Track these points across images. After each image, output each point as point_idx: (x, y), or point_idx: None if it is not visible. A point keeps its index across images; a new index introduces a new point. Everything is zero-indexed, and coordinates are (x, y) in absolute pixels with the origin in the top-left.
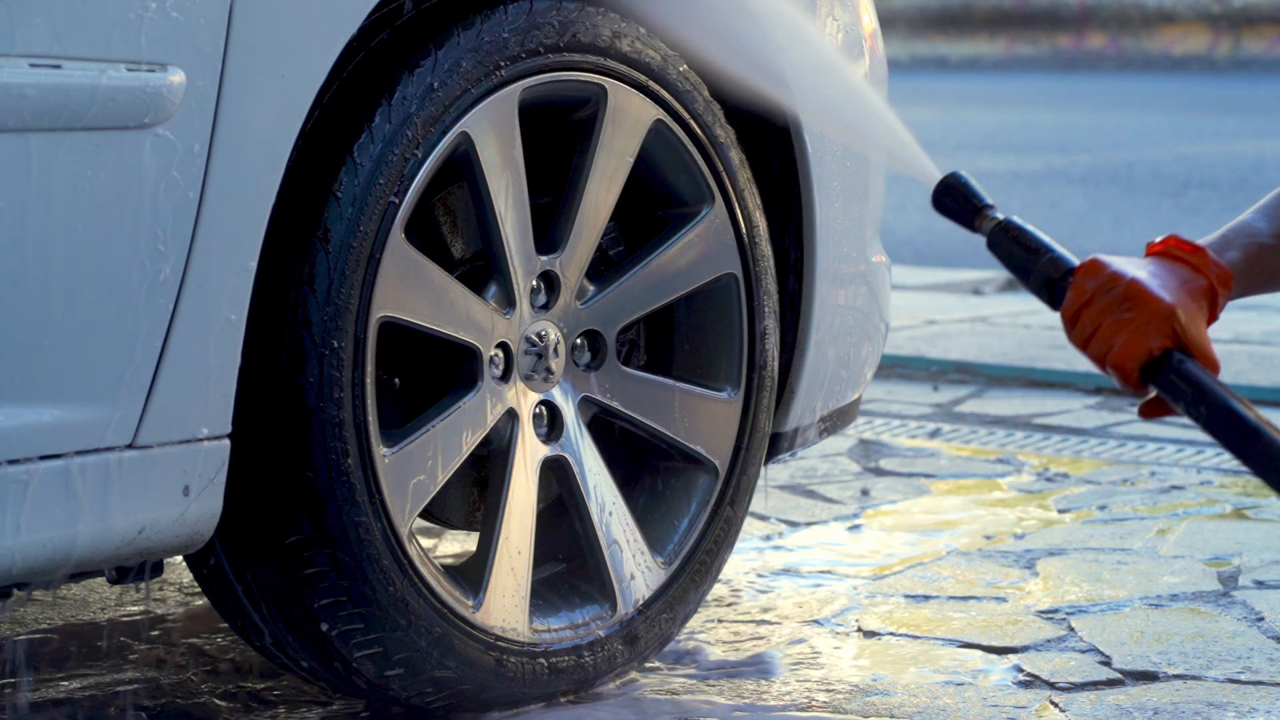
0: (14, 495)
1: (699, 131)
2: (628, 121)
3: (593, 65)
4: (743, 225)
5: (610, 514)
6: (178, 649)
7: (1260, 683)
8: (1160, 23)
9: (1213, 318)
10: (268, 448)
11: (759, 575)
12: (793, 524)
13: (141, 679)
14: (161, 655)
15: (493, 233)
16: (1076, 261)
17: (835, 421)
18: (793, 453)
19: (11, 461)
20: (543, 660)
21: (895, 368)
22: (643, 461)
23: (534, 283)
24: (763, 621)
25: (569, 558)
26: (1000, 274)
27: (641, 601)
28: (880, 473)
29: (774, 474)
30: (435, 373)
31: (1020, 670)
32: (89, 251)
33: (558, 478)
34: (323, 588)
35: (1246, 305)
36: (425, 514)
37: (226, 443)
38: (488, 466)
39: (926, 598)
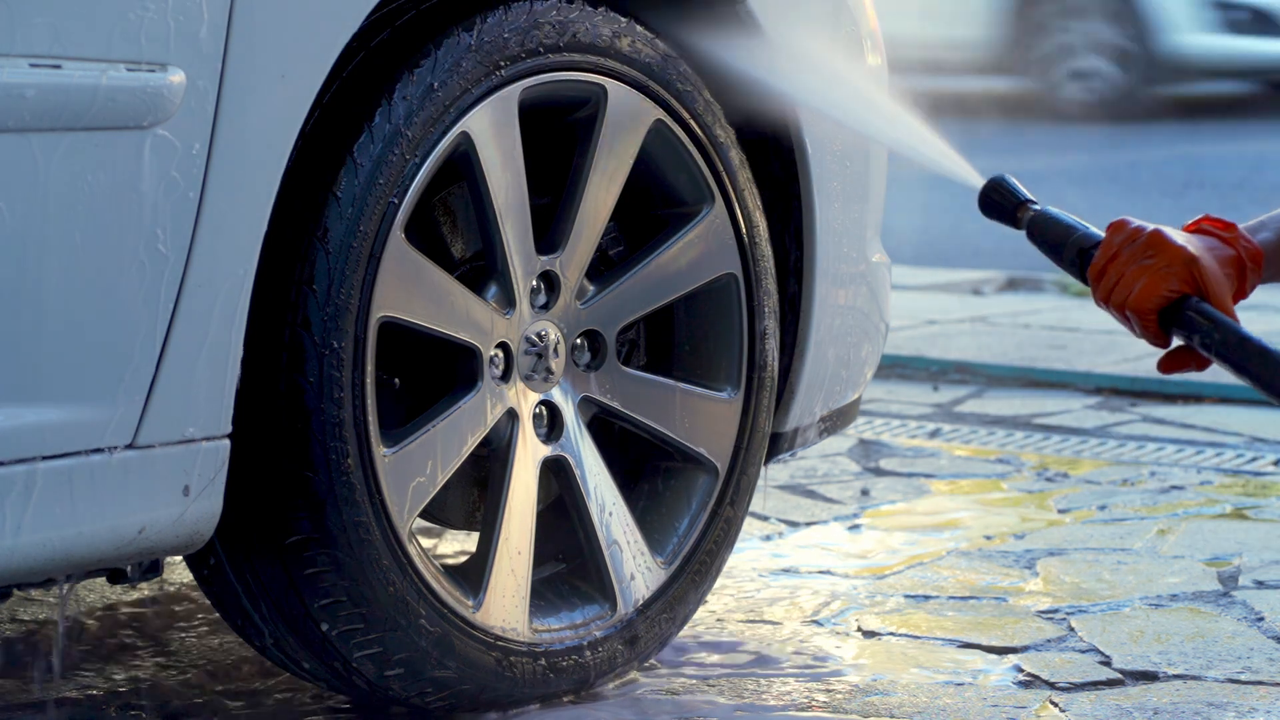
0: (14, 495)
1: (699, 131)
2: (628, 121)
3: (593, 65)
4: (743, 225)
5: (610, 514)
6: (178, 649)
7: (1260, 683)
8: None
9: (1241, 293)
10: (268, 448)
11: (759, 575)
12: (793, 524)
13: (141, 679)
14: (161, 655)
15: (493, 233)
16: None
17: (835, 421)
18: (793, 453)
19: (11, 461)
20: (543, 660)
21: (895, 368)
22: (643, 461)
23: (534, 283)
24: (763, 621)
25: (569, 558)
26: (1000, 274)
27: (641, 601)
28: (880, 473)
29: (774, 474)
30: (435, 373)
31: (1020, 670)
32: (89, 251)
33: (558, 478)
34: (323, 588)
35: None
36: (425, 514)
37: (226, 443)
38: (488, 466)
39: (926, 598)
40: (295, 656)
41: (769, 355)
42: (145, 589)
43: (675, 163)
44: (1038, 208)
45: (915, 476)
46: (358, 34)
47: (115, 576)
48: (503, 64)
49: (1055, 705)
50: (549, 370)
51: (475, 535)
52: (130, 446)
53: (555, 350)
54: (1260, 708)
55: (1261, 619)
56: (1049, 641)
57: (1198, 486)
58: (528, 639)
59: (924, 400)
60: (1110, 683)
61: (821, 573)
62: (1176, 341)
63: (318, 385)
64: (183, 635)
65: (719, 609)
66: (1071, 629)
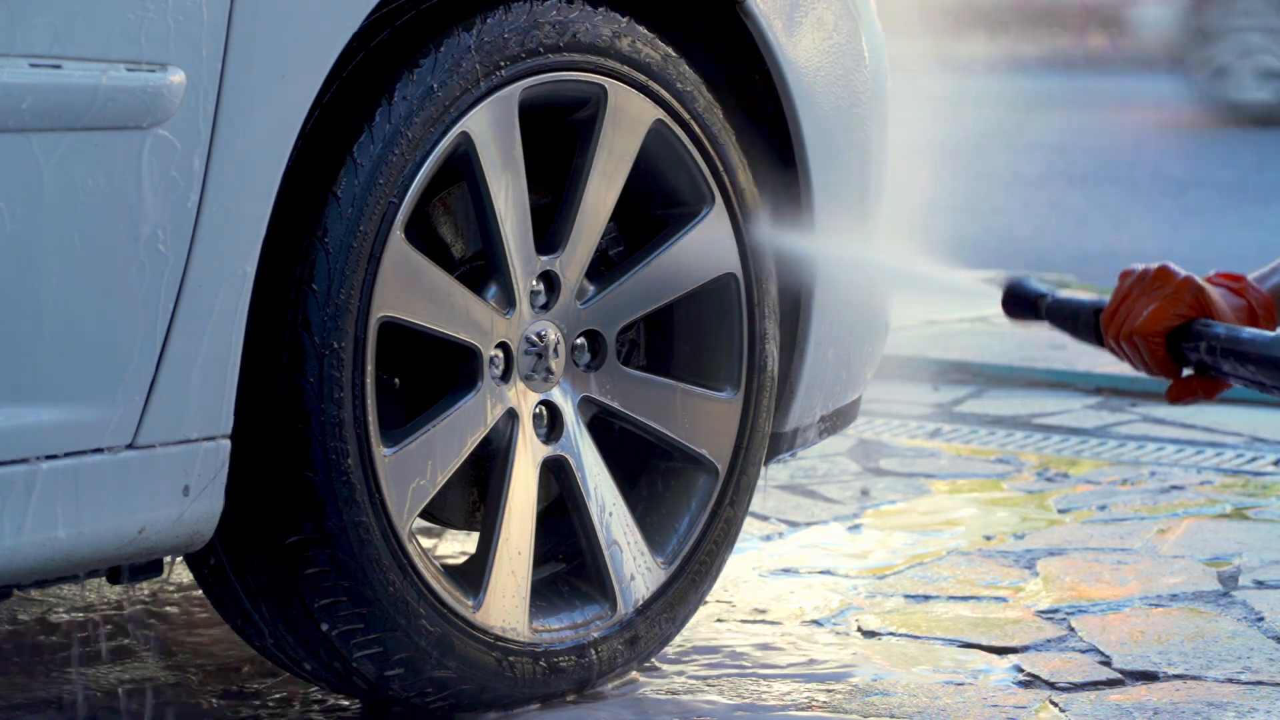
0: (14, 495)
1: (699, 131)
2: (628, 121)
3: (593, 65)
4: (743, 225)
5: (610, 514)
6: (178, 649)
7: (1260, 683)
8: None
9: None
10: (268, 448)
11: (759, 575)
12: (793, 524)
13: (141, 679)
14: (161, 655)
15: (493, 233)
16: None
17: (835, 422)
18: (793, 453)
19: (11, 461)
20: (543, 660)
21: (895, 368)
22: (643, 462)
23: (534, 283)
24: (763, 621)
25: (569, 558)
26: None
27: (641, 602)
28: (880, 473)
29: (774, 474)
30: (435, 373)
31: (1020, 670)
32: (89, 251)
33: (558, 478)
34: (323, 588)
35: None
36: (425, 514)
37: (226, 443)
38: (488, 466)
39: (926, 598)
40: (295, 656)
41: (769, 355)
42: (145, 589)
43: (675, 163)
44: (1051, 296)
45: (915, 476)
46: (358, 34)
47: (115, 576)
48: (503, 64)
49: (1055, 705)
50: (549, 370)
51: (475, 535)
52: (130, 446)
53: (555, 350)
54: (1260, 708)
55: (1261, 619)
56: (1049, 641)
57: (1198, 486)
58: (528, 639)
59: (924, 400)
60: (1110, 683)
61: (821, 573)
62: (1185, 372)
63: (318, 385)
64: (183, 635)
65: (719, 609)
66: (1071, 629)
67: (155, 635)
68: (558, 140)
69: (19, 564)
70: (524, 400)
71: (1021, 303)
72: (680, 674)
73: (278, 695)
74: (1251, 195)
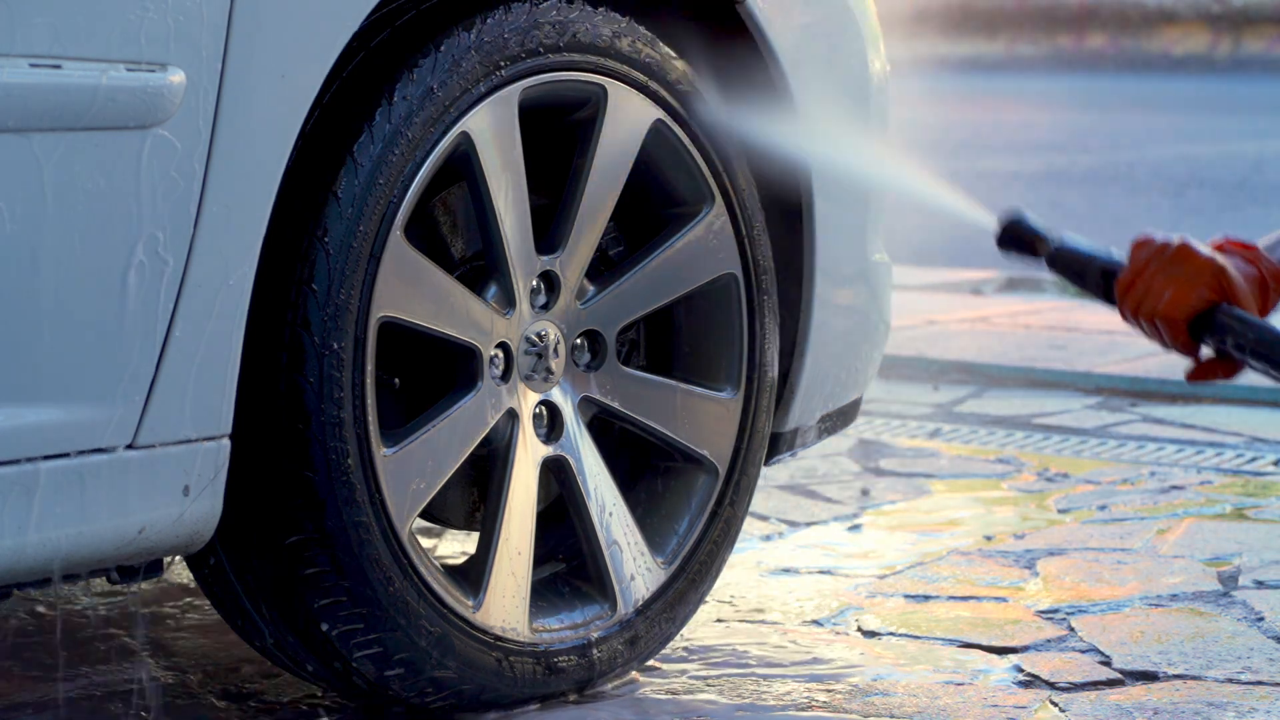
0: (14, 495)
1: (699, 131)
2: (628, 121)
3: (593, 65)
4: (743, 225)
5: (610, 514)
6: (178, 649)
7: (1260, 683)
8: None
9: (1264, 309)
10: (268, 448)
11: (759, 575)
12: (793, 524)
13: (141, 679)
14: (161, 655)
15: (493, 233)
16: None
17: (836, 422)
18: (793, 453)
19: (12, 462)
20: (543, 660)
21: (895, 368)
22: (643, 462)
23: (534, 283)
24: (763, 622)
25: (569, 558)
26: (1000, 274)
27: (641, 602)
28: (880, 473)
29: (774, 474)
30: (435, 373)
31: (1020, 670)
32: (89, 251)
33: (558, 478)
34: (323, 588)
35: None
36: (425, 514)
37: (226, 443)
38: (488, 466)
39: (926, 598)
40: (295, 656)
41: (769, 355)
42: (145, 589)
43: (675, 163)
44: (1056, 238)
45: (915, 476)
46: (358, 34)
47: (114, 576)
48: (503, 64)
49: (1055, 705)
50: (549, 370)
51: (475, 535)
52: (130, 446)
53: (555, 350)
54: (1260, 708)
55: (1261, 619)
56: (1049, 641)
57: (1198, 486)
58: (528, 639)
59: (924, 400)
60: (1110, 683)
61: (821, 573)
62: (1205, 351)
63: (318, 385)
64: (183, 635)
65: (719, 609)
66: (1071, 629)
67: (155, 635)
68: (558, 140)
69: (19, 564)
70: (524, 400)
71: (1019, 240)
72: (680, 674)
73: (278, 695)
74: (1251, 195)
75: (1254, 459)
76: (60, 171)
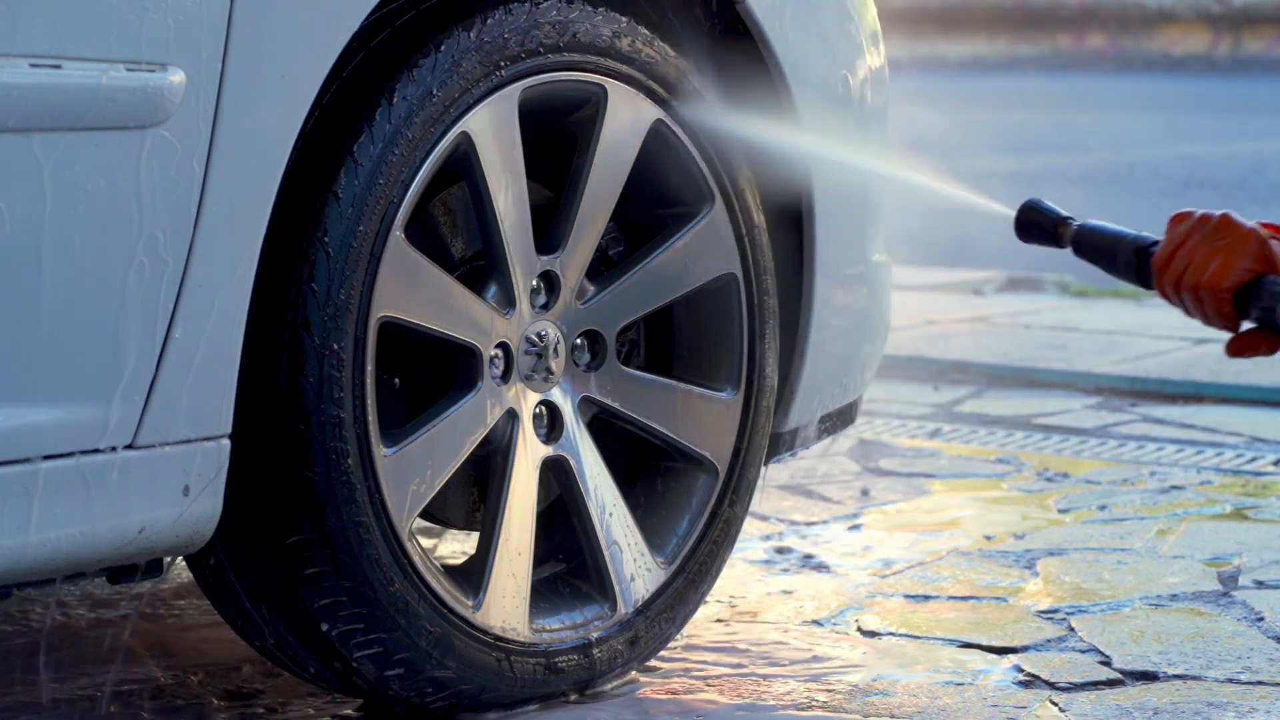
0: (14, 496)
1: (699, 131)
2: (628, 121)
3: (593, 65)
4: (742, 225)
5: (610, 514)
6: (178, 649)
7: (1260, 683)
8: (1160, 23)
9: None
10: (268, 448)
11: (759, 575)
12: (793, 524)
13: (141, 679)
14: (161, 655)
15: (493, 233)
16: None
17: (835, 422)
18: (793, 453)
19: (11, 462)
20: (543, 660)
21: (895, 368)
22: (643, 461)
23: (534, 283)
24: (763, 622)
25: (569, 558)
26: (1000, 274)
27: (641, 601)
28: (880, 473)
29: (774, 474)
30: (435, 373)
31: (1020, 670)
32: (89, 251)
33: (558, 478)
34: (323, 588)
35: None
36: (425, 514)
37: (226, 443)
38: (488, 466)
39: (926, 598)
40: (296, 656)
41: (769, 355)
42: (145, 589)
43: (675, 163)
44: (1079, 222)
45: (915, 476)
46: (358, 34)
47: (115, 576)
48: (503, 64)
49: (1055, 705)
50: (549, 370)
51: (475, 535)
52: (130, 446)
53: (555, 350)
54: (1260, 708)
55: (1261, 619)
56: (1049, 641)
57: (1198, 486)
58: (528, 639)
59: (924, 400)
60: (1110, 683)
61: (821, 573)
62: (1246, 325)
63: (318, 385)
64: (183, 635)
65: (719, 609)
66: (1071, 629)
67: (155, 635)
68: (558, 140)
69: (19, 564)
70: (524, 400)
71: (1038, 227)
72: (680, 674)
73: (278, 695)
74: (1251, 195)
75: (1254, 459)
76: (60, 171)
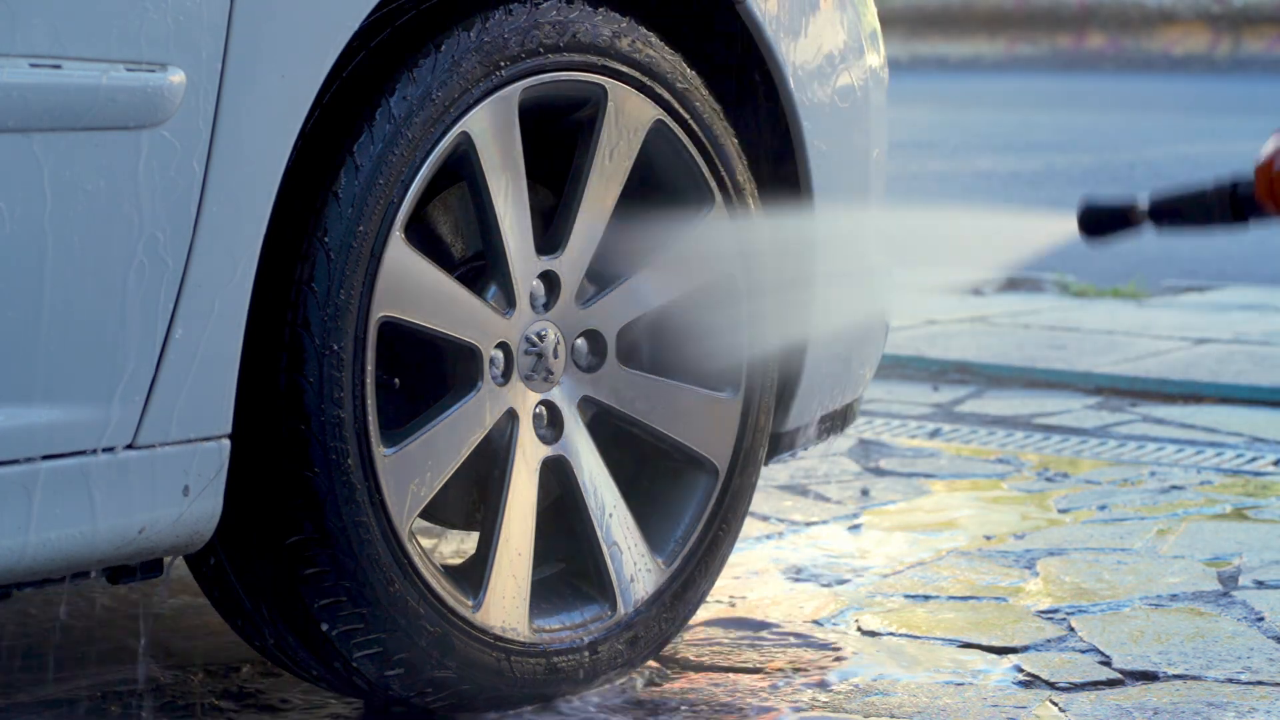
0: (14, 495)
1: (699, 131)
2: (628, 121)
3: (593, 65)
4: (743, 225)
5: (610, 514)
6: (178, 649)
7: (1260, 683)
8: (1160, 23)
9: None
10: (268, 448)
11: (759, 576)
12: (793, 524)
13: (141, 679)
14: (161, 655)
15: (493, 233)
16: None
17: (835, 422)
18: (793, 453)
19: (12, 462)
20: (543, 660)
21: (895, 368)
22: (643, 461)
23: (534, 283)
24: (763, 622)
25: (569, 558)
26: (1000, 274)
27: (641, 601)
28: (880, 473)
29: (774, 474)
30: (435, 373)
31: (1020, 670)
32: (89, 251)
33: (558, 478)
34: (323, 588)
35: (1246, 305)
36: (425, 514)
37: (226, 443)
38: (488, 467)
39: (926, 598)
40: (296, 657)
41: (769, 356)
42: (145, 589)
43: (675, 162)
44: (1148, 197)
45: (915, 476)
46: (358, 34)
47: (114, 576)
48: (503, 64)
49: (1055, 705)
50: (549, 370)
51: (475, 535)
52: (130, 446)
53: (555, 350)
54: (1260, 708)
55: (1261, 619)
56: (1049, 641)
57: (1198, 486)
58: (528, 639)
59: (924, 400)
60: (1110, 683)
61: (821, 572)
62: None
63: (318, 385)
64: (183, 635)
65: (719, 609)
66: (1071, 629)
67: (155, 635)
68: (558, 140)
69: (19, 564)
70: (524, 400)
71: (1106, 220)
72: (680, 674)
73: (278, 695)
74: None
75: (1254, 459)
76: (60, 171)
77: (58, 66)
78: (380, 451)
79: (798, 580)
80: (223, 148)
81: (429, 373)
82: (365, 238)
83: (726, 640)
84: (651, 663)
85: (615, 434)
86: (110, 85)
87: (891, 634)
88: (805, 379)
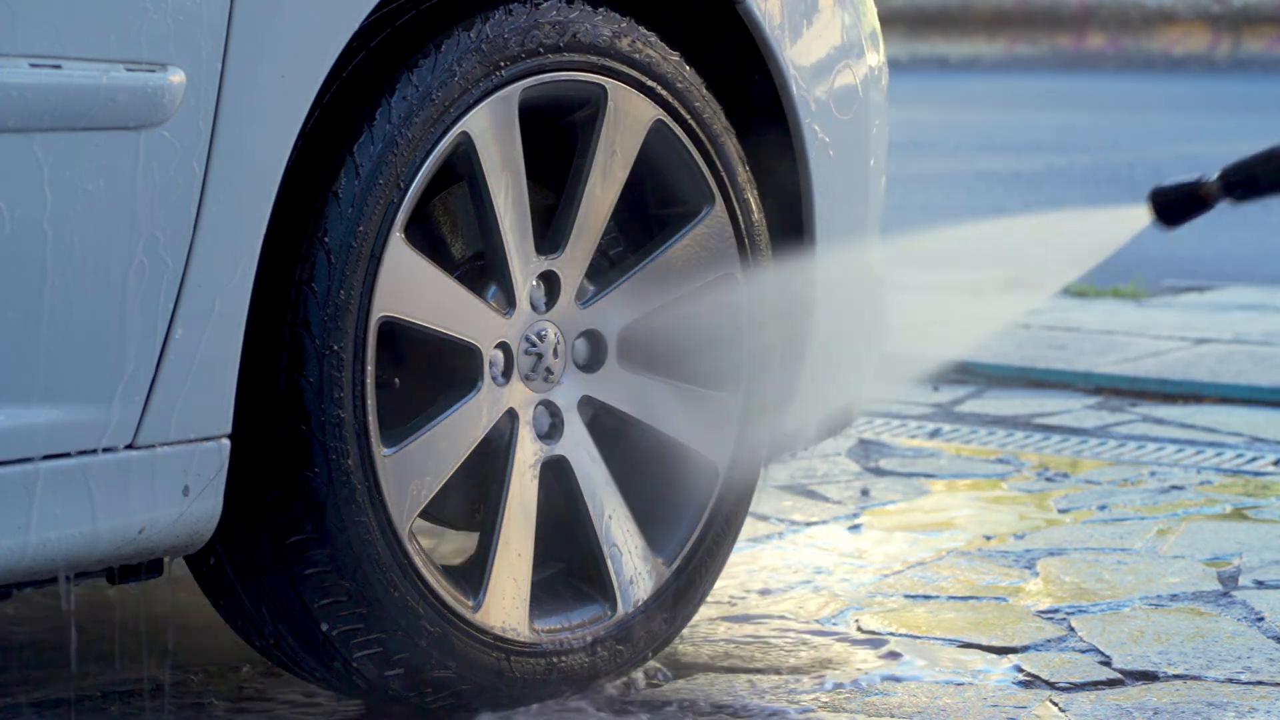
0: (14, 495)
1: (699, 131)
2: (628, 121)
3: (593, 65)
4: (743, 225)
5: (610, 515)
6: (178, 649)
7: (1260, 683)
8: (1160, 23)
9: None
10: (268, 448)
11: (759, 576)
12: (793, 524)
13: (142, 679)
14: (161, 655)
15: (493, 233)
16: None
17: (835, 422)
18: (793, 453)
19: (11, 461)
20: (543, 660)
21: (895, 368)
22: (643, 461)
23: (534, 283)
24: (763, 622)
25: (569, 558)
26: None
27: (642, 602)
28: (880, 473)
29: (774, 474)
30: (435, 373)
31: (1020, 670)
32: (89, 251)
33: (558, 478)
34: (323, 588)
35: (1247, 305)
36: (425, 514)
37: (226, 443)
38: (488, 467)
39: (926, 598)
40: (295, 657)
41: (769, 356)
42: (145, 589)
43: (675, 162)
44: (1218, 172)
45: (915, 476)
46: (358, 34)
47: (114, 576)
48: (503, 64)
49: (1055, 705)
50: (549, 370)
51: (475, 535)
52: (130, 446)
53: (555, 350)
54: (1260, 708)
55: (1261, 619)
56: (1049, 641)
57: (1198, 486)
58: (528, 639)
59: (924, 400)
60: (1110, 683)
61: (821, 572)
62: None
63: (318, 385)
64: (183, 635)
65: (719, 609)
66: (1071, 629)
67: (155, 635)
68: (558, 140)
69: (19, 564)
70: (524, 400)
71: (1180, 203)
72: (680, 673)
73: (278, 695)
74: None
75: (1254, 459)
76: (60, 171)
77: (58, 66)
78: (380, 451)
79: (798, 580)
80: (223, 148)
81: (429, 373)
82: (365, 238)
83: (727, 640)
84: (652, 663)
85: (615, 434)
86: (110, 85)
87: (891, 634)
88: (805, 379)
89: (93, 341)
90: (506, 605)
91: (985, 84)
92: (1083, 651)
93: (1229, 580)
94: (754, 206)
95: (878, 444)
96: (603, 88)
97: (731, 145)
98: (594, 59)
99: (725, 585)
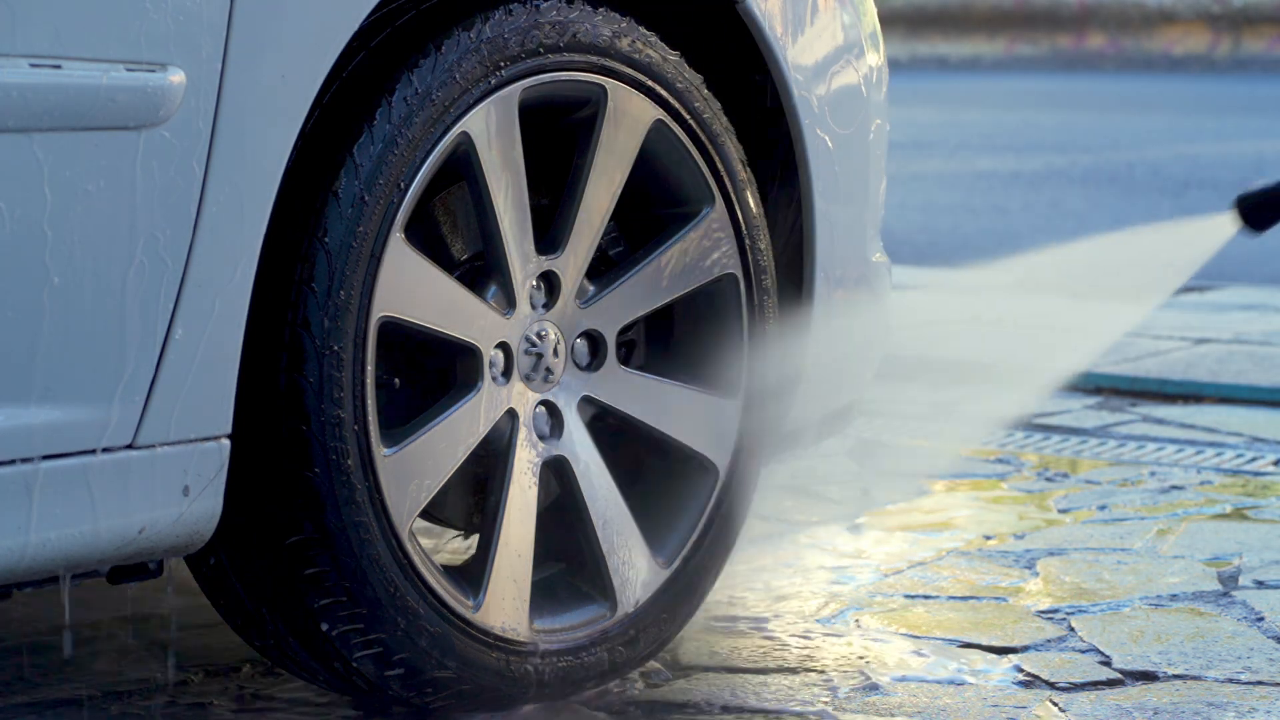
0: (14, 495)
1: (699, 131)
2: (628, 121)
3: (593, 65)
4: (743, 225)
5: (610, 515)
6: (178, 649)
7: (1260, 683)
8: (1160, 23)
9: None
10: (268, 448)
11: (759, 575)
12: (793, 524)
13: (141, 679)
14: (162, 655)
15: (493, 233)
16: None
17: (835, 422)
18: (793, 453)
19: (12, 462)
20: (542, 660)
21: (895, 368)
22: (643, 461)
23: (534, 283)
24: (763, 621)
25: (569, 558)
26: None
27: (641, 602)
28: (880, 473)
29: (774, 474)
30: (435, 373)
31: (1020, 670)
32: (89, 252)
33: (558, 478)
34: (323, 588)
35: (1247, 304)
36: (425, 514)
37: (226, 443)
38: (488, 466)
39: (926, 598)
40: (296, 657)
41: (769, 356)
42: (145, 589)
43: (675, 162)
44: None
45: (915, 476)
46: (358, 34)
47: (114, 576)
48: (503, 64)
49: (1055, 705)
50: (549, 370)
51: (475, 535)
52: (130, 446)
53: (555, 350)
54: (1260, 708)
55: (1261, 619)
56: (1049, 641)
57: (1198, 486)
58: (528, 639)
59: (924, 400)
60: (1110, 683)
61: (821, 573)
62: None
63: (318, 385)
64: (183, 635)
65: (719, 609)
66: (1071, 629)
67: (155, 635)
68: (558, 140)
69: (19, 564)
70: (524, 400)
71: (1270, 207)
72: (680, 674)
73: (278, 695)
74: None
75: (1254, 459)
76: (60, 172)
77: (58, 66)
78: (380, 451)
79: (797, 580)
80: (223, 148)
81: (429, 373)
82: (365, 238)
83: (727, 640)
84: (652, 663)
85: (615, 434)
86: (110, 85)
87: (892, 634)
88: (805, 379)
89: (93, 341)
90: (506, 605)
91: (985, 84)
92: (1083, 651)
93: (1229, 580)
94: (754, 206)
95: (878, 444)
96: (603, 88)
97: (731, 145)
98: (594, 59)
99: (725, 585)
